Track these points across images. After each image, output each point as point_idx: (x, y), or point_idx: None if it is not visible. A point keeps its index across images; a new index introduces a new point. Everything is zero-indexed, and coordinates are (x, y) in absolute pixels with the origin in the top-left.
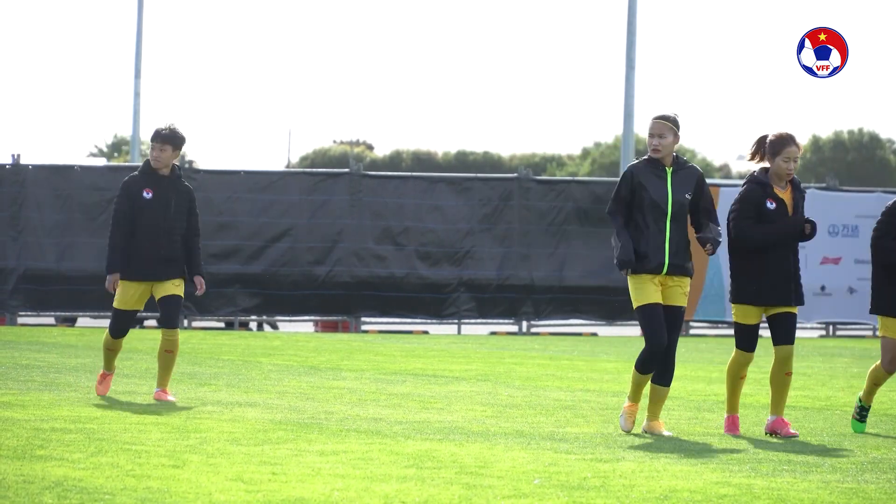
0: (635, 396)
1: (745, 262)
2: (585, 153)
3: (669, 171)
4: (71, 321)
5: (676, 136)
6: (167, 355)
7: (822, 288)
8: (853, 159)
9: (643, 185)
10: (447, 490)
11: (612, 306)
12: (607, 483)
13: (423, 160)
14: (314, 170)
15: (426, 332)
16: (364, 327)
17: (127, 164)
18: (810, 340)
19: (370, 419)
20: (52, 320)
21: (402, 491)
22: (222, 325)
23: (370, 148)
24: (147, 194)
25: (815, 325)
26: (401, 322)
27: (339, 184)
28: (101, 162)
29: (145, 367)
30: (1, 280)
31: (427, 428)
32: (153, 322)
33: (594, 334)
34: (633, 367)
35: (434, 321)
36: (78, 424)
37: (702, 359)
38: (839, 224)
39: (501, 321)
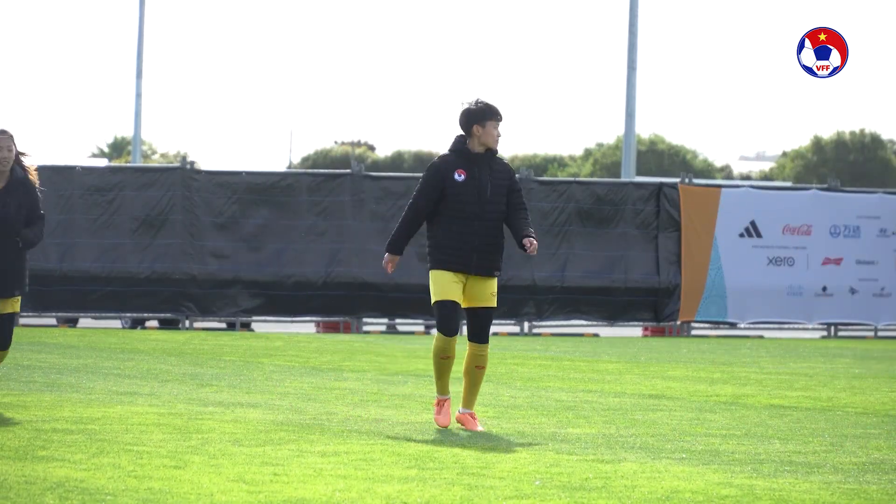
0: None
1: None
2: (587, 154)
3: None
4: (72, 322)
5: None
6: (477, 371)
7: (824, 288)
8: (855, 160)
9: None
10: (449, 491)
11: (613, 307)
12: (609, 484)
13: (424, 161)
14: (316, 170)
15: (428, 333)
16: (365, 328)
17: (128, 164)
18: (812, 341)
19: (372, 420)
20: (53, 321)
21: (403, 492)
22: (224, 325)
23: (372, 149)
24: (459, 176)
25: (816, 326)
26: (402, 323)
27: (340, 184)
28: (103, 162)
29: (146, 367)
30: None
31: (429, 429)
32: (154, 323)
33: (596, 335)
34: None
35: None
36: (79, 425)
37: (703, 359)
38: (840, 224)
39: (503, 322)
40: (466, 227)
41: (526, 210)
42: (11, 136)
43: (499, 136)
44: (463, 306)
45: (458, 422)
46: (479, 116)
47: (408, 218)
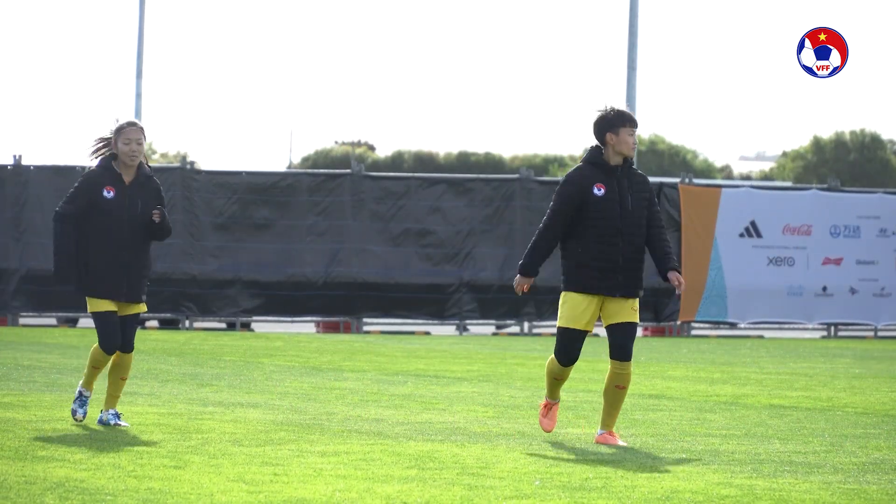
0: None
1: None
2: None
3: None
4: (72, 322)
5: None
6: (617, 392)
7: (824, 289)
8: (855, 160)
9: None
10: (449, 491)
11: None
12: (609, 484)
13: (424, 161)
14: (316, 170)
15: (428, 333)
16: (366, 328)
17: None
18: (812, 341)
19: (372, 420)
20: (53, 321)
21: (403, 492)
22: (224, 325)
23: (372, 149)
24: (598, 190)
25: (816, 326)
26: (402, 323)
27: (340, 185)
28: None
29: (146, 367)
30: (3, 281)
31: (429, 429)
32: (155, 323)
33: (595, 335)
34: None
35: (436, 322)
36: (79, 425)
37: (703, 360)
38: (841, 225)
39: (503, 322)
40: (610, 245)
41: (664, 230)
42: (142, 129)
43: (634, 144)
44: (604, 325)
45: (599, 443)
46: (612, 124)
47: (544, 237)
